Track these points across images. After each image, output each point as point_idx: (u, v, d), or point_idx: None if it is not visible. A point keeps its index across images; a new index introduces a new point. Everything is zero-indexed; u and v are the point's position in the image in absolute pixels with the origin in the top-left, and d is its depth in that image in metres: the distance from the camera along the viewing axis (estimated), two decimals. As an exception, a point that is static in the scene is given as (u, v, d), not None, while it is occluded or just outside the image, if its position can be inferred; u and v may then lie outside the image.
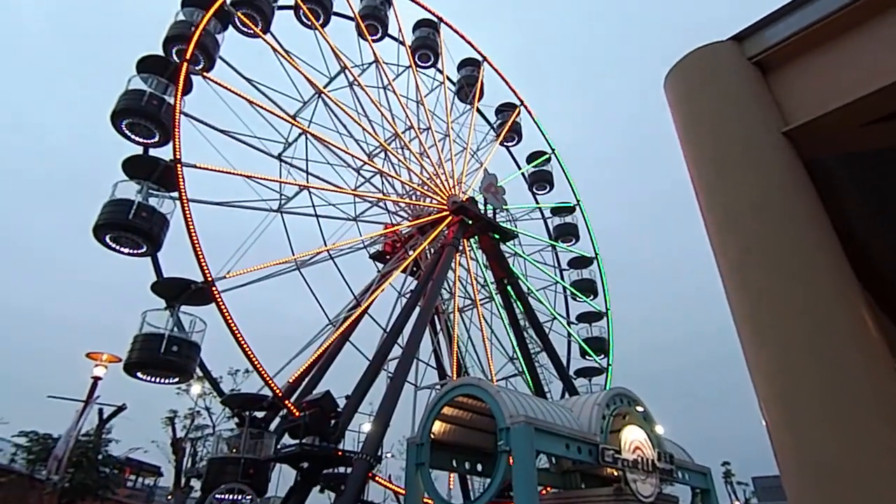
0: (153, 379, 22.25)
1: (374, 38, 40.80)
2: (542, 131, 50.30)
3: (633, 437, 27.24)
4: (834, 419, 3.91)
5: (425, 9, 44.78)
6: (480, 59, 48.02)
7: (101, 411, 31.03)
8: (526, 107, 49.99)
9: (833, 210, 4.80)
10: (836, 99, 4.79)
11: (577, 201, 49.68)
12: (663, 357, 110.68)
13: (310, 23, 36.82)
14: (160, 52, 28.85)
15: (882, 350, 4.31)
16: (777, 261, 4.46)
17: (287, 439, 25.11)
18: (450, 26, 45.79)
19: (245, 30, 33.55)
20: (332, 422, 24.32)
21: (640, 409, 28.12)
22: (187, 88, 28.24)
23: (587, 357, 44.17)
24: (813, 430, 3.98)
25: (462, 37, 46.98)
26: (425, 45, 44.08)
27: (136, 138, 26.75)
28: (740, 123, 4.95)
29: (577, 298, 46.48)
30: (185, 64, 28.03)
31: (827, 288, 4.34)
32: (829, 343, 4.12)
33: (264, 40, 33.81)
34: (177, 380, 23.65)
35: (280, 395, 24.69)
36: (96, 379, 14.25)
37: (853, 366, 4.00)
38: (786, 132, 4.79)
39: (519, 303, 38.66)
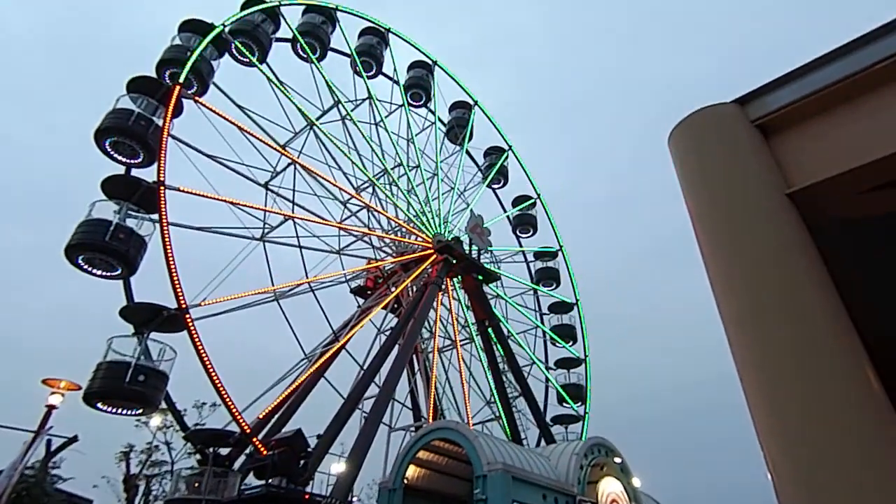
0: (114, 410, 21.07)
1: (369, 74, 41.52)
2: (528, 176, 51.18)
3: (609, 490, 26.71)
4: (843, 476, 3.87)
5: (420, 51, 45.91)
6: (472, 102, 49.11)
7: (49, 443, 29.05)
8: (514, 151, 50.92)
9: (836, 273, 4.82)
10: (836, 165, 4.84)
11: (560, 247, 50.17)
12: (643, 405, 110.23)
13: (306, 56, 37.36)
14: (152, 74, 28.81)
15: (889, 410, 4.32)
16: (781, 321, 4.45)
17: (252, 479, 23.92)
18: (443, 69, 46.92)
19: (241, 58, 33.86)
20: (302, 462, 23.30)
21: (617, 460, 27.67)
22: (178, 111, 28.11)
23: (564, 404, 43.65)
24: (822, 486, 3.92)
25: (455, 80, 48.13)
26: (418, 86, 44.99)
27: (120, 158, 26.34)
28: (745, 183, 4.97)
29: (557, 344, 46.30)
30: (178, 87, 27.99)
31: (832, 349, 4.38)
32: (838, 404, 4.14)
33: (260, 70, 34.11)
34: (140, 411, 22.48)
35: (248, 431, 23.65)
36: (51, 408, 13.34)
37: (863, 426, 4.00)
38: (789, 194, 4.78)
39: (499, 345, 38.27)
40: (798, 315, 4.44)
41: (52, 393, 13.79)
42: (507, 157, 50.62)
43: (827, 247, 4.56)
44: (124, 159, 26.41)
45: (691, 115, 5.38)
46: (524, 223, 50.59)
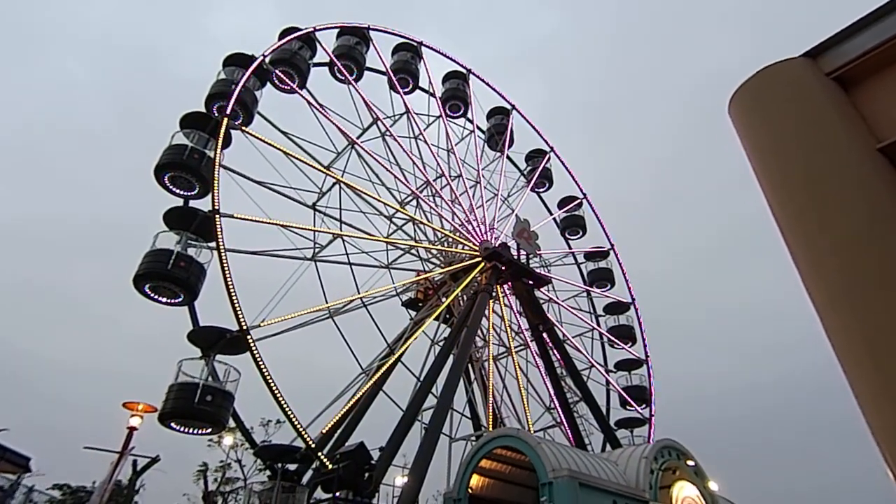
0: (186, 429, 21.95)
1: (406, 90, 42.00)
2: (572, 176, 50.29)
3: (685, 494, 25.54)
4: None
5: (454, 61, 46.14)
6: (509, 107, 48.83)
7: (135, 462, 30.79)
8: (556, 152, 50.21)
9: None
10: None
11: (611, 246, 48.88)
12: (712, 407, 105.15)
13: (344, 78, 38.25)
14: (202, 109, 30.20)
15: None
16: (890, 298, 3.88)
17: (319, 493, 24.25)
18: (478, 77, 46.95)
19: (282, 86, 35.00)
20: (367, 475, 23.44)
21: (690, 463, 26.42)
22: (227, 142, 29.28)
23: (628, 407, 42.20)
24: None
25: (490, 87, 48.05)
26: (455, 96, 45.08)
27: (177, 191, 27.65)
28: (828, 142, 4.54)
29: (615, 345, 44.94)
30: (226, 119, 29.18)
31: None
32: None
33: (301, 95, 35.16)
34: (209, 430, 23.27)
35: (313, 446, 24.03)
36: (132, 429, 14.07)
37: None
38: (881, 148, 4.36)
39: (555, 350, 37.49)
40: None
41: (132, 415, 14.46)
42: (548, 160, 49.99)
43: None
44: (182, 192, 27.71)
45: (756, 75, 4.99)
46: (572, 224, 49.63)
